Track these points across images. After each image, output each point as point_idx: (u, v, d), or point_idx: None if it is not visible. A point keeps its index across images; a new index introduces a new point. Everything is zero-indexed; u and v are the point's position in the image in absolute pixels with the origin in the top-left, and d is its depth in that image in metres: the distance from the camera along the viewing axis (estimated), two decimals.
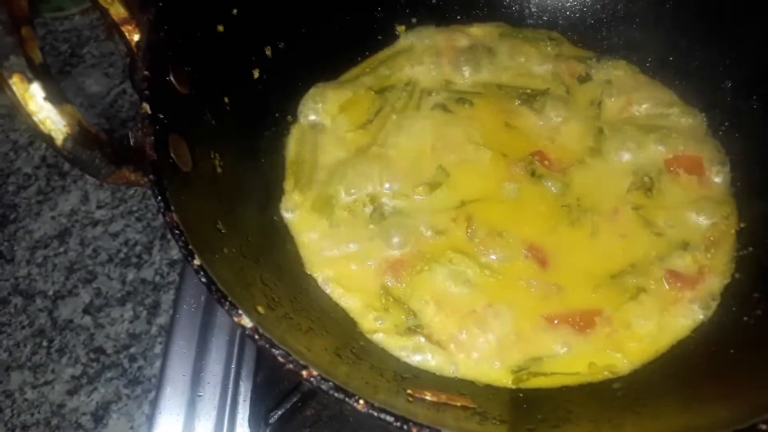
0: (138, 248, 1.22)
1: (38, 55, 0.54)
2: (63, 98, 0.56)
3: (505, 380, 0.78)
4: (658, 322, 0.82)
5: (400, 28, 1.11)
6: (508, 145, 0.96)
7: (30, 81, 0.54)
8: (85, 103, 1.38)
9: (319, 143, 0.96)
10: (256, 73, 0.92)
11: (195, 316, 0.99)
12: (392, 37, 1.10)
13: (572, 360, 0.79)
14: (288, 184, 0.93)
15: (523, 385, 0.77)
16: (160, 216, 1.23)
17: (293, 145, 0.97)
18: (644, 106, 1.00)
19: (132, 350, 1.11)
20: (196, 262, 0.61)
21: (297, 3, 0.96)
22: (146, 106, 0.67)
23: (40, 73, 0.55)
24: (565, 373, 0.78)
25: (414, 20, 1.11)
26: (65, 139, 0.56)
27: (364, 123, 0.99)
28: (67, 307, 1.16)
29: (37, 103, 0.55)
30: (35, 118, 0.55)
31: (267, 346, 0.58)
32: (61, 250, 1.22)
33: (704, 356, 0.77)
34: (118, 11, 0.70)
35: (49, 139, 0.56)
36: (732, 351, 0.76)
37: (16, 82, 0.54)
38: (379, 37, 1.09)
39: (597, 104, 1.00)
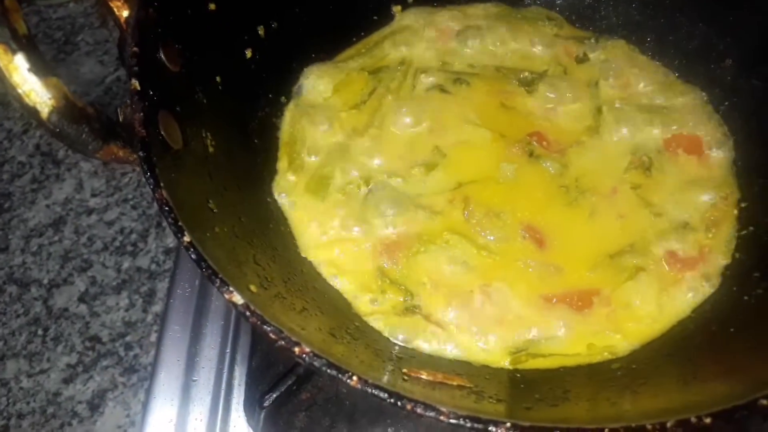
0: (133, 236, 1.21)
1: (22, 26, 0.53)
2: (48, 70, 0.55)
3: (503, 361, 0.77)
4: (658, 303, 0.81)
5: (396, 8, 1.09)
6: (505, 126, 0.94)
7: (14, 52, 0.53)
8: (80, 90, 1.36)
9: (312, 124, 0.95)
10: (248, 53, 0.91)
11: (189, 301, 0.98)
12: (388, 17, 1.09)
13: (571, 341, 0.78)
14: (281, 165, 0.92)
15: (521, 366, 0.76)
16: (156, 204, 1.24)
17: (287, 125, 0.96)
18: (643, 85, 0.99)
19: (128, 338, 1.10)
20: (186, 238, 0.60)
21: None
22: (135, 82, 0.66)
23: (24, 44, 0.53)
24: (564, 354, 0.77)
25: (410, 0, 1.09)
26: (51, 112, 0.55)
27: (358, 103, 0.97)
28: (62, 296, 1.15)
29: (21, 74, 0.54)
30: (19, 90, 0.54)
31: (258, 322, 0.57)
32: (56, 238, 1.21)
33: (704, 336, 0.76)
34: None
35: (34, 112, 0.55)
36: (732, 330, 0.75)
37: None
38: (375, 18, 1.07)
39: (595, 84, 0.99)
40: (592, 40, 1.04)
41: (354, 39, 1.06)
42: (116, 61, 1.41)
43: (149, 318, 1.12)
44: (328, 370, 0.56)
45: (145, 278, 1.17)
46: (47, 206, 1.25)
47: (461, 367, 0.75)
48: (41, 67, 0.55)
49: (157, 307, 1.13)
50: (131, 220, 1.23)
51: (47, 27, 1.45)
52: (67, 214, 1.24)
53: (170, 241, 1.20)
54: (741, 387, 0.59)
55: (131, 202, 1.25)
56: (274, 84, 0.96)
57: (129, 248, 1.20)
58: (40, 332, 1.12)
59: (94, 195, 1.26)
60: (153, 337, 1.09)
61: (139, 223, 1.23)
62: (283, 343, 0.57)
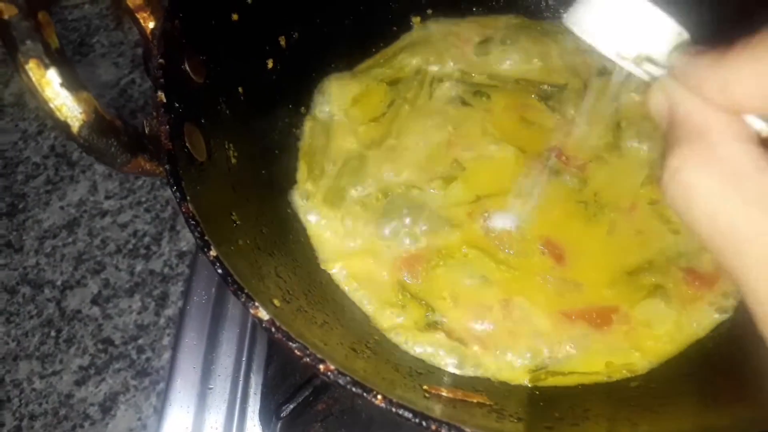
0: (146, 239, 1.22)
1: (55, 41, 0.53)
2: (80, 85, 0.55)
3: (523, 378, 0.77)
4: (677, 321, 0.81)
5: (415, 19, 1.09)
6: (524, 140, 0.94)
7: (47, 67, 0.53)
8: (94, 93, 1.35)
9: (331, 135, 0.95)
10: (270, 63, 0.91)
11: (206, 308, 0.98)
12: (407, 28, 1.09)
13: (590, 358, 0.78)
14: (300, 174, 0.92)
15: (540, 384, 0.76)
16: (169, 207, 1.24)
17: (306, 136, 0.96)
18: None
19: (140, 341, 1.11)
20: (212, 253, 0.60)
21: None
22: (161, 95, 0.66)
23: (56, 58, 0.53)
24: (583, 372, 0.77)
25: (429, 11, 1.09)
26: (81, 127, 0.55)
27: (377, 116, 0.97)
28: (75, 298, 1.16)
29: (53, 89, 0.54)
30: (51, 105, 0.54)
31: (284, 339, 0.57)
32: (70, 240, 1.22)
33: (723, 356, 0.76)
34: None
35: (65, 127, 0.55)
36: (752, 351, 0.75)
37: (32, 68, 0.53)
38: (394, 28, 1.07)
39: (616, 98, 0.98)
40: None
41: (373, 50, 1.06)
42: (131, 63, 1.41)
43: (162, 321, 1.12)
44: (353, 389, 0.56)
45: (158, 281, 1.17)
46: (61, 208, 1.25)
47: (480, 384, 0.75)
48: (73, 81, 0.55)
49: (169, 311, 1.13)
50: (145, 223, 1.24)
51: (62, 28, 1.45)
52: (81, 216, 1.24)
53: (183, 244, 1.20)
54: (763, 412, 0.59)
55: (145, 205, 1.25)
56: (295, 94, 0.96)
57: (142, 251, 1.20)
58: (53, 334, 1.12)
59: (107, 197, 1.26)
60: (165, 341, 1.10)
61: (152, 227, 1.23)
62: (308, 360, 0.57)
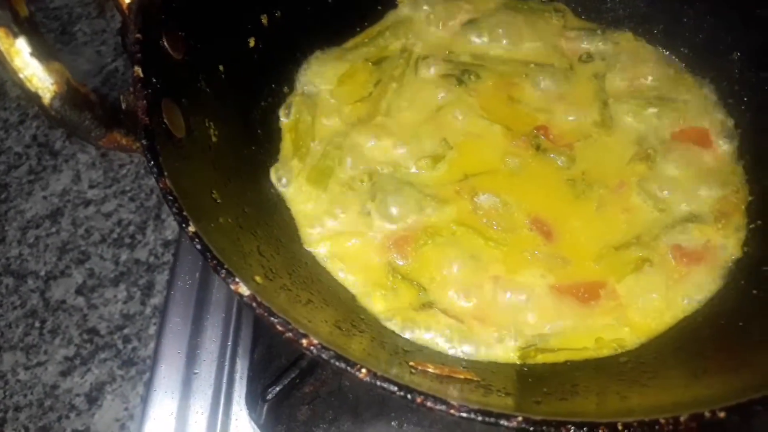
0: (131, 228, 1.20)
1: (24, 9, 0.52)
2: (51, 55, 0.54)
3: (512, 356, 0.76)
4: (665, 296, 0.80)
5: None
6: (511, 119, 0.93)
7: (15, 35, 0.52)
8: (77, 80, 1.35)
9: (317, 114, 0.93)
10: (251, 42, 0.89)
11: (190, 293, 0.97)
12: (392, 7, 1.07)
13: (579, 334, 0.77)
14: (284, 152, 0.91)
15: (529, 361, 0.75)
16: (154, 196, 1.23)
17: (291, 116, 0.94)
18: (650, 78, 0.98)
19: (126, 331, 1.09)
20: (191, 228, 0.59)
21: None
22: (138, 69, 0.64)
23: (25, 27, 0.52)
24: (573, 349, 0.76)
25: None
26: (53, 98, 0.54)
27: (364, 96, 0.96)
28: (59, 288, 1.14)
29: (23, 59, 0.52)
30: (21, 75, 0.53)
31: (265, 314, 0.56)
32: (53, 230, 1.20)
33: (713, 329, 0.75)
34: None
35: (35, 98, 0.53)
36: (741, 323, 0.74)
37: (0, 37, 0.51)
38: (379, 7, 1.06)
39: (602, 77, 0.98)
40: (599, 32, 1.03)
41: (358, 29, 1.05)
42: (114, 51, 1.40)
43: (147, 311, 1.11)
44: (337, 363, 0.55)
45: (144, 271, 1.15)
46: (44, 197, 1.24)
47: (468, 362, 0.74)
48: (44, 51, 0.53)
49: (155, 300, 1.12)
50: (129, 212, 1.22)
51: (44, 16, 1.43)
52: (65, 205, 1.23)
53: (169, 233, 1.19)
54: (752, 381, 0.59)
55: (129, 194, 1.24)
56: (277, 74, 0.94)
57: (127, 240, 1.19)
58: (37, 324, 1.11)
59: (91, 186, 1.25)
60: (151, 330, 1.08)
61: (137, 215, 1.21)
62: (290, 335, 0.56)
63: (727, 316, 0.76)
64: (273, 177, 0.89)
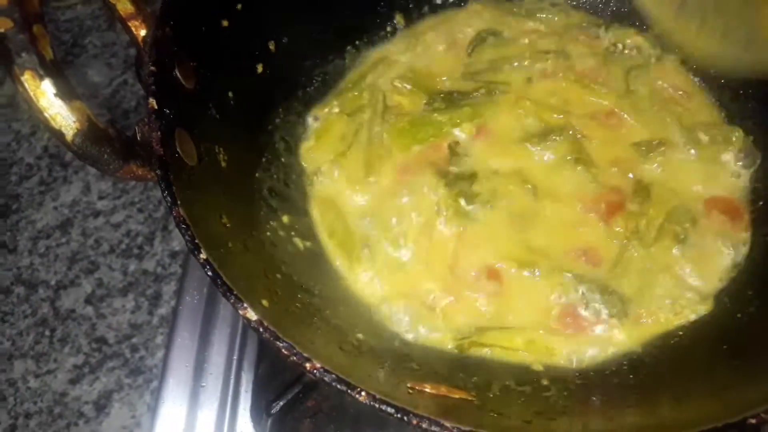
0: (139, 239, 1.23)
1: (49, 52, 0.55)
2: (73, 94, 0.57)
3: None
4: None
5: (398, 17, 1.11)
6: None
7: (41, 78, 0.55)
8: (87, 93, 1.38)
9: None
10: (259, 68, 0.93)
11: (198, 307, 1.00)
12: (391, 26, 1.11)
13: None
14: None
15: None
16: (162, 207, 1.26)
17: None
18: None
19: (133, 340, 1.13)
20: (203, 256, 0.62)
21: None
22: (153, 101, 0.68)
23: (51, 69, 0.55)
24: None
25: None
26: (75, 135, 0.57)
27: (343, 150, 0.97)
28: (69, 297, 1.17)
29: (48, 99, 0.55)
30: (46, 114, 0.56)
31: (271, 338, 0.60)
32: (63, 240, 1.23)
33: (698, 352, 0.78)
34: (125, 6, 0.71)
35: (59, 135, 0.57)
36: (725, 347, 0.77)
37: (28, 79, 0.55)
38: (382, 33, 1.10)
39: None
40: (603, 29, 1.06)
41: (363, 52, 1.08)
42: (124, 64, 1.43)
43: (155, 320, 1.14)
44: (338, 386, 0.58)
45: (151, 281, 1.19)
46: (55, 208, 1.27)
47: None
48: (67, 91, 0.57)
49: (162, 310, 1.15)
50: (137, 223, 1.25)
51: (55, 29, 1.46)
52: (75, 216, 1.26)
53: (176, 244, 1.22)
54: (732, 405, 0.62)
55: (138, 205, 1.27)
56: (284, 99, 0.97)
57: (135, 251, 1.22)
58: (47, 333, 1.14)
59: (101, 197, 1.28)
60: (158, 339, 1.12)
61: (145, 226, 1.25)
62: (295, 358, 0.59)
63: (712, 340, 0.79)
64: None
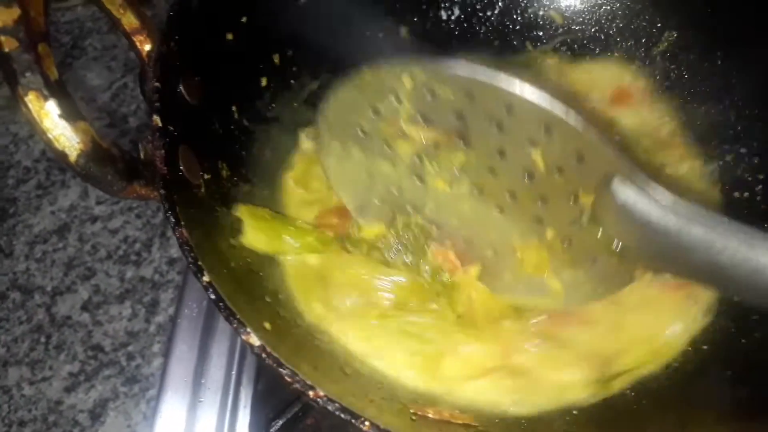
0: (137, 245, 1.22)
1: (54, 72, 0.54)
2: (78, 115, 0.56)
3: None
4: None
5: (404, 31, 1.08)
6: None
7: (46, 98, 0.54)
8: (86, 96, 1.37)
9: None
10: (263, 81, 0.92)
11: (196, 320, 0.99)
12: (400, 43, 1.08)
13: None
14: None
15: None
16: (160, 214, 1.25)
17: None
18: None
19: (130, 348, 1.12)
20: (206, 279, 0.61)
21: (305, 10, 0.95)
22: (157, 119, 0.67)
23: (55, 90, 0.54)
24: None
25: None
26: (79, 156, 0.56)
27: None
28: (65, 304, 1.16)
29: (52, 120, 0.55)
30: (50, 135, 0.55)
31: (274, 365, 0.59)
32: (60, 245, 1.22)
33: (702, 379, 0.78)
34: (130, 21, 0.70)
35: (62, 156, 0.56)
36: (729, 373, 0.77)
37: (32, 100, 0.54)
38: (388, 46, 1.08)
39: None
40: None
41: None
42: (124, 67, 1.42)
43: (152, 328, 1.13)
44: (342, 415, 0.58)
45: (149, 288, 1.18)
46: (52, 212, 1.26)
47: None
48: (71, 112, 0.56)
49: (160, 318, 1.14)
50: (135, 229, 1.24)
51: (55, 30, 1.45)
52: (72, 221, 1.25)
53: (174, 251, 1.21)
54: None
55: (136, 211, 1.26)
56: (289, 113, 0.96)
57: (133, 257, 1.21)
58: (42, 340, 1.13)
59: (99, 203, 1.27)
60: (155, 348, 1.11)
61: (143, 233, 1.24)
62: (298, 386, 0.58)
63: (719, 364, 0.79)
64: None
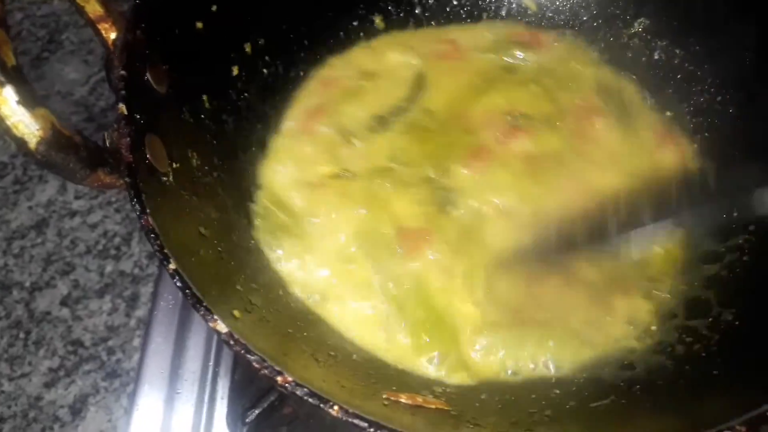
0: (117, 240, 1.21)
1: (11, 58, 0.54)
2: (37, 101, 0.56)
3: None
4: None
5: (378, 19, 1.09)
6: None
7: (2, 85, 0.53)
8: (63, 90, 1.36)
9: None
10: (235, 70, 0.91)
11: (173, 312, 0.98)
12: (373, 31, 1.09)
13: None
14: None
15: None
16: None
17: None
18: None
19: (110, 343, 1.11)
20: (171, 266, 0.61)
21: None
22: (122, 107, 0.66)
23: (13, 76, 0.54)
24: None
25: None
26: (38, 143, 0.56)
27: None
28: (44, 299, 1.15)
29: (9, 107, 0.54)
30: (7, 123, 0.54)
31: (242, 351, 0.58)
32: (39, 240, 1.21)
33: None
34: (94, 8, 0.69)
35: (21, 143, 0.55)
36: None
37: None
38: (361, 34, 1.08)
39: None
40: None
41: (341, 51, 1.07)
42: (101, 60, 1.40)
43: (132, 323, 1.13)
44: (310, 399, 0.57)
45: (128, 282, 1.17)
46: (29, 208, 1.25)
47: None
48: (30, 98, 0.55)
49: (140, 312, 1.13)
50: (115, 223, 1.23)
51: (31, 24, 1.43)
52: (50, 216, 1.24)
53: None
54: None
55: (115, 205, 1.25)
56: (261, 101, 0.96)
57: (112, 252, 1.20)
58: (21, 335, 1.12)
59: (77, 197, 1.26)
60: (135, 342, 1.10)
61: (122, 227, 1.23)
62: (266, 372, 0.58)
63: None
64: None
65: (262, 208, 0.89)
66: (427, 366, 0.79)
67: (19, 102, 0.54)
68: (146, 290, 1.15)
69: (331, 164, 0.94)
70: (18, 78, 0.54)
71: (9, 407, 1.06)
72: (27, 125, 0.55)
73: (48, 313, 1.14)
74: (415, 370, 0.79)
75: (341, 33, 1.05)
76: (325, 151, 0.95)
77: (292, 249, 0.86)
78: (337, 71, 1.05)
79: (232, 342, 0.59)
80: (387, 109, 0.99)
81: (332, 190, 0.91)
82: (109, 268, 1.19)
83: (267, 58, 0.94)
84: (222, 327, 0.59)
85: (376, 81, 1.03)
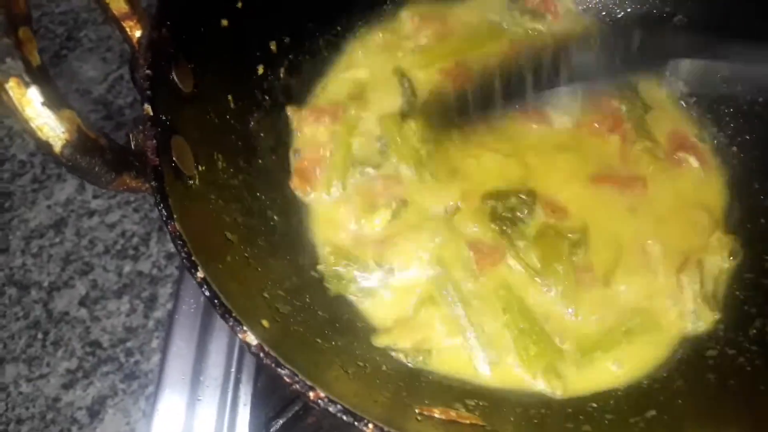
0: (135, 240, 1.20)
1: (36, 58, 0.51)
2: (63, 102, 0.53)
3: None
4: None
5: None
6: None
7: (27, 85, 0.51)
8: (81, 88, 1.34)
9: None
10: (260, 69, 0.89)
11: (194, 317, 0.96)
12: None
13: None
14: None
15: None
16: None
17: None
18: None
19: (128, 344, 1.09)
20: (200, 274, 0.59)
21: None
22: (148, 107, 0.64)
23: (38, 76, 0.51)
24: None
25: None
26: (64, 146, 0.54)
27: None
28: (62, 299, 1.14)
29: (34, 108, 0.52)
30: (32, 124, 0.52)
31: (272, 365, 0.56)
32: (57, 240, 1.20)
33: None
34: (119, 6, 0.67)
35: (46, 146, 0.53)
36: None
37: (12, 87, 0.51)
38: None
39: None
40: None
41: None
42: (120, 58, 1.39)
43: (150, 324, 1.11)
44: (344, 417, 0.55)
45: (147, 283, 1.15)
46: (48, 207, 1.23)
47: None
48: (55, 99, 0.53)
49: (158, 313, 1.12)
50: (133, 223, 1.22)
51: (49, 21, 1.42)
52: (69, 215, 1.22)
53: (172, 245, 1.18)
54: None
55: (133, 205, 1.23)
56: (286, 100, 0.94)
57: (131, 252, 1.19)
58: (40, 336, 1.11)
59: (95, 196, 1.24)
60: (154, 344, 1.08)
61: (140, 227, 1.21)
62: (297, 387, 0.56)
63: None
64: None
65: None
66: None
67: (44, 103, 0.52)
68: (165, 291, 1.14)
69: None
70: (43, 78, 0.52)
71: (27, 408, 1.05)
72: (52, 128, 0.53)
73: (66, 313, 1.13)
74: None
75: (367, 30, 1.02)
76: None
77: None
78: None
79: (262, 354, 0.56)
80: None
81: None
82: (127, 269, 1.17)
83: (292, 56, 0.92)
84: (252, 339, 0.57)
85: None
